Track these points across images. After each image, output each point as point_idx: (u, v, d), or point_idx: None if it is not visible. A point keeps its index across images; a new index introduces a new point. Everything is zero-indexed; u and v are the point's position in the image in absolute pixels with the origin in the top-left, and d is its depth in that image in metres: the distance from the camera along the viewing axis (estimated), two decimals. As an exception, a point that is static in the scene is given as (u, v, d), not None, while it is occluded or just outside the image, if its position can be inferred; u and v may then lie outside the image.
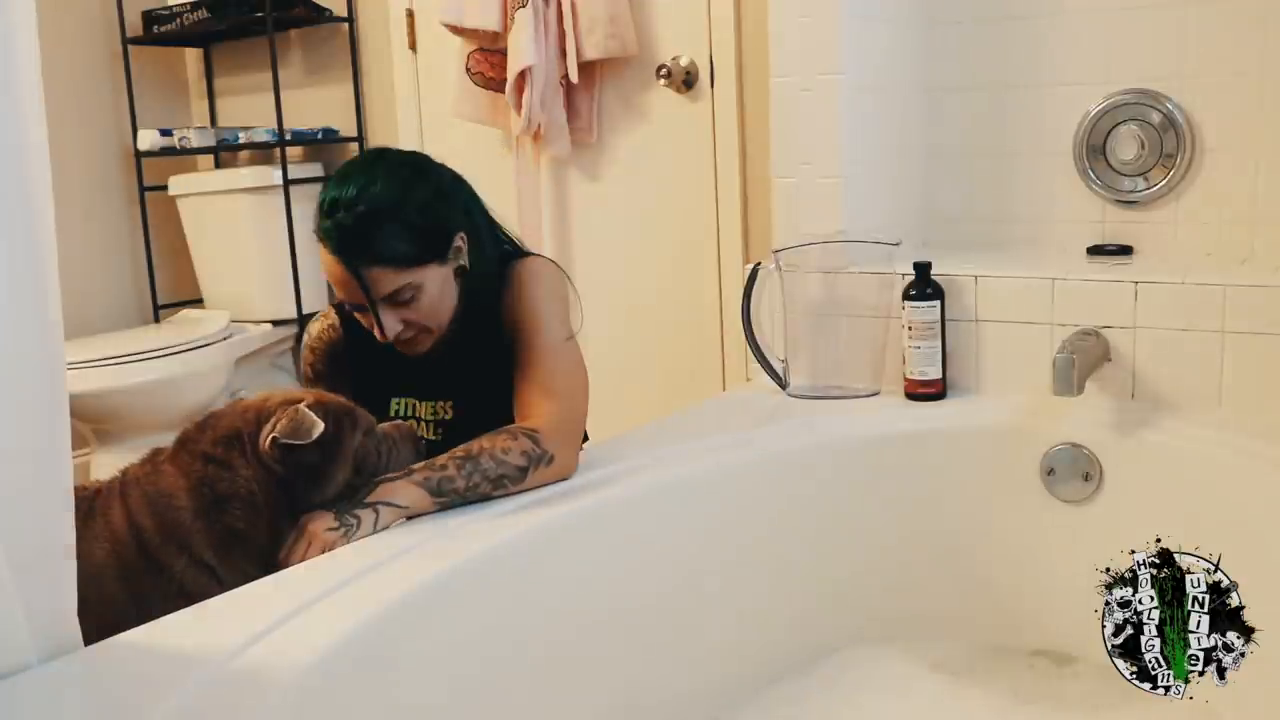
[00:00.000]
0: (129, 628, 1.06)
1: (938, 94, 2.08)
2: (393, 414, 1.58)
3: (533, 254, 1.61)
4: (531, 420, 1.41)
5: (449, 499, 1.32)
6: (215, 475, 1.25)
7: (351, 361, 1.59)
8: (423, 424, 1.57)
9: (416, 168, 1.49)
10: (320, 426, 1.25)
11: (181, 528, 1.23)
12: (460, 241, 1.47)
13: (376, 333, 1.44)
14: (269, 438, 1.25)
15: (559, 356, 1.47)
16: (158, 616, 1.09)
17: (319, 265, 1.47)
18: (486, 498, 1.35)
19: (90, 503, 1.26)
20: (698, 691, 1.48)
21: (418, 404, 1.58)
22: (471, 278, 1.49)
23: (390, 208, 1.40)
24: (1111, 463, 1.54)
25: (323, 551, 1.23)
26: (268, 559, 1.26)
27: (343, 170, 1.47)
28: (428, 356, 1.50)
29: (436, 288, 1.44)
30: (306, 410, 1.26)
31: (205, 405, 2.95)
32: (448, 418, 1.57)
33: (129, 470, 1.31)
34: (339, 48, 3.03)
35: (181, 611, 1.08)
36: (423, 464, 1.34)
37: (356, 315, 1.48)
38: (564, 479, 1.42)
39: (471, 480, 1.33)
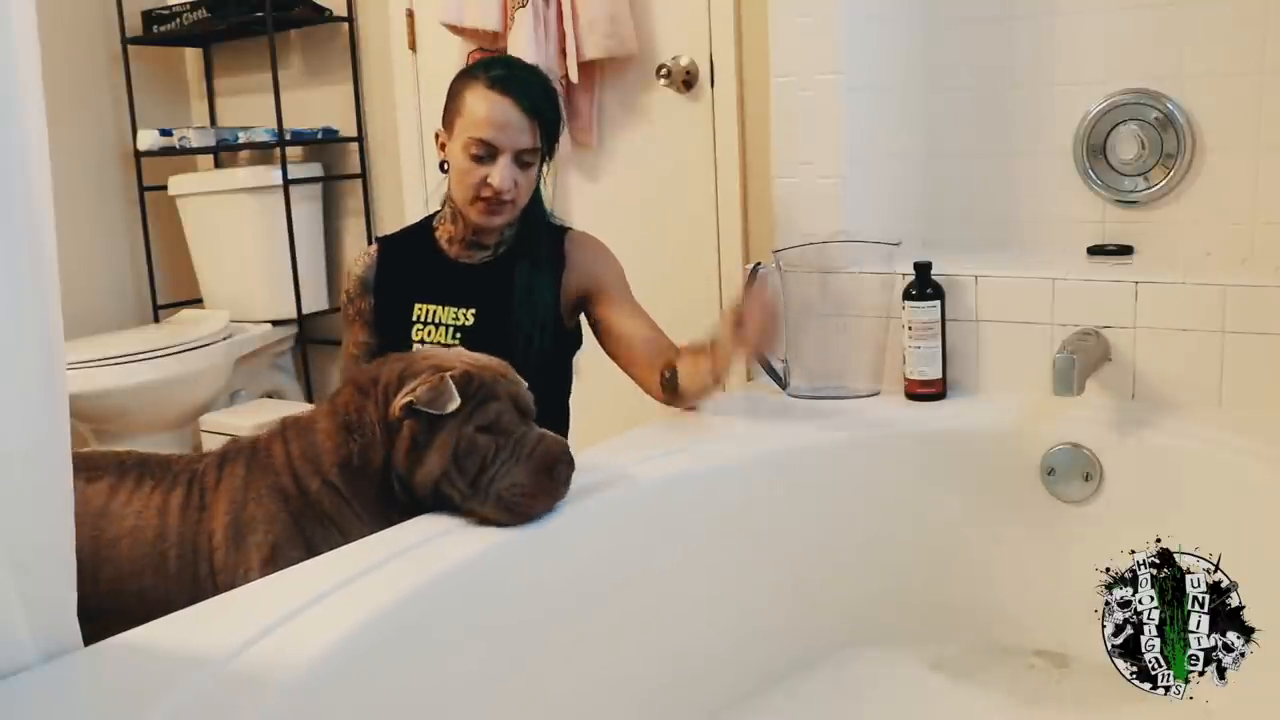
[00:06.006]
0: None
1: (938, 94, 2.08)
2: (415, 318, 1.72)
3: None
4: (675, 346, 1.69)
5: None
6: (356, 404, 1.33)
7: (381, 276, 1.75)
8: (442, 328, 1.71)
9: None
10: (456, 403, 1.24)
11: (314, 446, 1.33)
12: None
13: (495, 176, 1.60)
14: (405, 400, 1.26)
15: (645, 311, 1.77)
16: (313, 540, 1.27)
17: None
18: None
19: (250, 451, 1.35)
20: (698, 691, 1.48)
21: (439, 310, 1.72)
22: (536, 193, 1.71)
23: (553, 87, 1.70)
24: (1111, 463, 1.54)
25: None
26: (380, 509, 1.31)
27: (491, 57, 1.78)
28: (453, 268, 1.72)
29: (535, 172, 1.68)
30: (450, 383, 1.25)
31: (205, 405, 2.96)
32: (468, 324, 1.71)
33: (286, 419, 1.40)
34: (339, 48, 3.03)
35: (181, 611, 1.08)
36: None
37: (475, 167, 1.61)
38: None
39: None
